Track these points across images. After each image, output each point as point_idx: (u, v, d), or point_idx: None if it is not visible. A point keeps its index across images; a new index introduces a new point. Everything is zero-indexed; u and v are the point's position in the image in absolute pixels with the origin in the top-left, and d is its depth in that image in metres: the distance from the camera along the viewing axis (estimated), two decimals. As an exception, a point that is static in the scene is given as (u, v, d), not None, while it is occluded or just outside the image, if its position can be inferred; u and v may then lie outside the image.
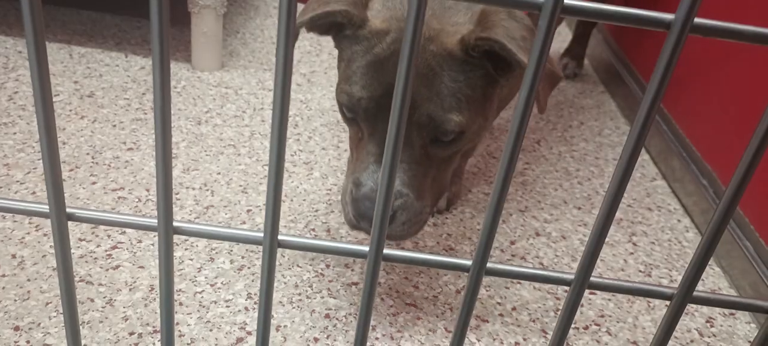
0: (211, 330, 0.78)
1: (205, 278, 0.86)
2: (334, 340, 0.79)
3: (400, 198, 0.73)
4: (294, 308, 0.83)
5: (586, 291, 0.91)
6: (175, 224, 0.34)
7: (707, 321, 0.91)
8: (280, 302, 0.84)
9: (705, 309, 0.93)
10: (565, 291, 0.92)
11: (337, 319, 0.82)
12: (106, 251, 0.87)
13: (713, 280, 1.00)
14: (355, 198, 0.73)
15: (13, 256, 0.84)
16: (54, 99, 1.23)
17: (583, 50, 1.66)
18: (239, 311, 0.81)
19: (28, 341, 0.73)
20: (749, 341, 0.89)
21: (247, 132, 1.20)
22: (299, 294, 0.85)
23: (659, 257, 1.03)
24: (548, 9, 0.27)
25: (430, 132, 0.72)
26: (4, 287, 0.79)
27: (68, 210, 0.33)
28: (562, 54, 1.67)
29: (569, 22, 1.96)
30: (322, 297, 0.85)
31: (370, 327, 0.82)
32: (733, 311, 0.94)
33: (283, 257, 0.92)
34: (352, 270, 0.91)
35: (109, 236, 0.90)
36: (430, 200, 0.78)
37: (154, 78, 0.29)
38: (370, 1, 0.75)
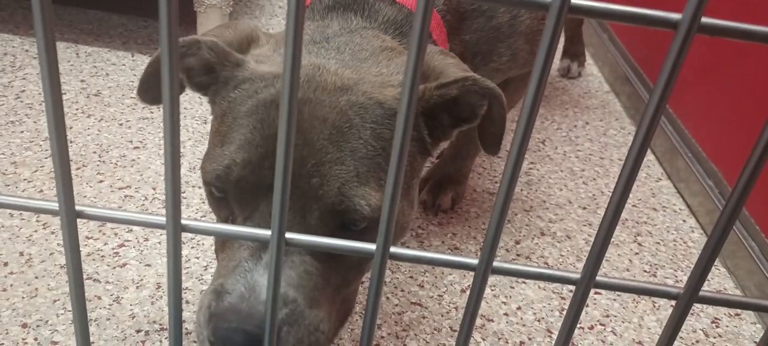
0: (217, 328, 0.78)
1: (212, 276, 0.86)
2: (340, 338, 0.79)
3: (286, 306, 0.51)
4: (299, 306, 0.83)
5: (592, 291, 0.91)
6: (183, 222, 0.34)
7: (713, 322, 0.91)
8: (286, 300, 0.84)
9: (710, 309, 0.93)
10: (571, 291, 0.92)
11: (342, 318, 0.83)
12: (113, 249, 0.88)
13: (719, 280, 1.00)
14: (215, 313, 0.50)
15: (21, 253, 0.85)
16: (61, 98, 1.23)
17: (580, 47, 1.62)
18: (245, 309, 0.81)
19: (35, 338, 0.73)
20: (755, 342, 0.89)
21: (252, 131, 1.20)
22: (305, 293, 0.85)
23: (664, 258, 1.03)
24: (555, 8, 0.27)
25: (337, 216, 0.52)
26: (12, 285, 0.80)
27: (77, 208, 0.34)
28: (561, 56, 1.65)
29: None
30: (328, 296, 0.86)
31: (376, 325, 0.83)
32: (739, 311, 0.94)
33: (289, 255, 0.92)
34: (358, 269, 0.91)
35: (116, 234, 0.90)
36: (331, 316, 0.56)
37: (163, 77, 0.29)
38: (252, 44, 0.59)
